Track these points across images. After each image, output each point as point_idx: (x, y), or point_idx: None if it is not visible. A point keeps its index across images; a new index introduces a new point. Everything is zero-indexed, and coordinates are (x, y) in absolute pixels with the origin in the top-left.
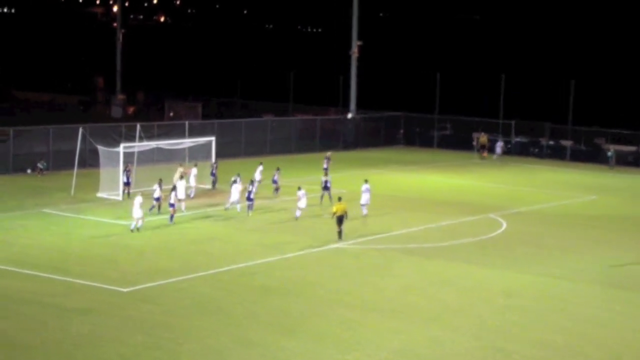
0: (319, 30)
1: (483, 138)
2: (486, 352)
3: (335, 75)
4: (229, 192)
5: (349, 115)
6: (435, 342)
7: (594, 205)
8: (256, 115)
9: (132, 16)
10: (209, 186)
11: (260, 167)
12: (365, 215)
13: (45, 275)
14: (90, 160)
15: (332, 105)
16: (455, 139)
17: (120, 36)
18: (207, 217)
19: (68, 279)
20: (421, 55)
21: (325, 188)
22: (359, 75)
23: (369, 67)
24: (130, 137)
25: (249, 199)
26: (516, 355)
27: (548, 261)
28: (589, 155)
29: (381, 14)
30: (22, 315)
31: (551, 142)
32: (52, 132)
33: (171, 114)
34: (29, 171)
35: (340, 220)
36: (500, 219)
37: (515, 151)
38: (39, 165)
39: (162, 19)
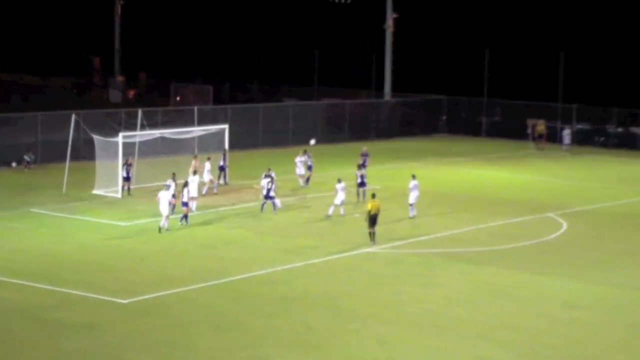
0: (348, 0)
1: (541, 126)
2: None
3: (367, 53)
4: (258, 189)
5: (386, 98)
6: None
7: None
8: (276, 100)
9: None
10: (220, 181)
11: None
12: (414, 217)
13: (34, 284)
14: (85, 152)
15: (364, 88)
16: (506, 127)
17: (118, 9)
18: (220, 218)
19: (60, 289)
20: (467, 29)
21: (362, 184)
22: (394, 53)
23: (405, 43)
24: (131, 125)
25: (268, 197)
26: None
27: (615, 268)
28: None
29: None
30: (7, 331)
31: (619, 130)
32: (40, 120)
33: (178, 99)
34: (14, 165)
35: (373, 220)
36: (559, 219)
37: (577, 140)
38: (26, 158)
39: None
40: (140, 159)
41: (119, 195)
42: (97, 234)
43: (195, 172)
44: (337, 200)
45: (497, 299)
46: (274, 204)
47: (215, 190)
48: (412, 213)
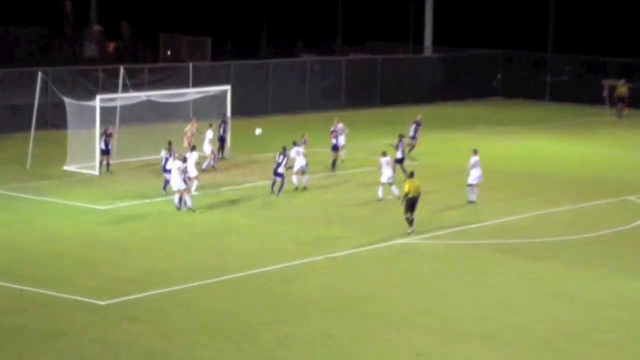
0: None
1: (622, 88)
2: None
3: None
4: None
5: (426, 53)
6: None
7: None
8: (291, 55)
9: None
10: (220, 156)
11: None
12: (473, 202)
13: None
14: (54, 119)
15: (399, 41)
16: (577, 88)
17: None
18: (221, 200)
19: (25, 287)
20: None
21: (401, 160)
22: None
23: None
24: (111, 86)
25: (276, 173)
26: None
27: None
28: None
29: None
30: None
31: None
32: None
33: (169, 53)
34: None
35: (412, 204)
36: None
37: None
38: None
39: None
40: (123, 128)
41: (96, 172)
42: (69, 220)
43: (193, 147)
44: (384, 178)
45: (561, 302)
46: (281, 184)
47: (214, 165)
48: (472, 197)
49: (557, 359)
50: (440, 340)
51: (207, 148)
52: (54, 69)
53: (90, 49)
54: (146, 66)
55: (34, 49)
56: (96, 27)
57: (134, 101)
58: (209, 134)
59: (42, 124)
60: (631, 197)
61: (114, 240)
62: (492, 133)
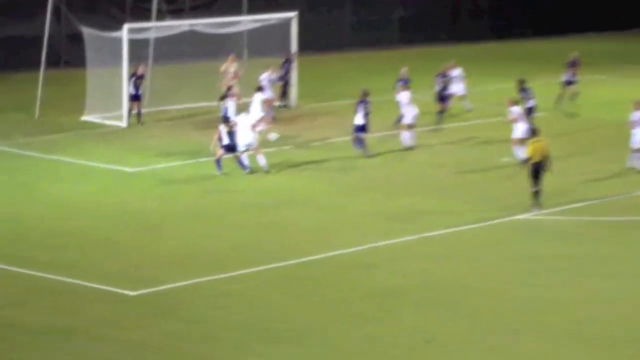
0: None
1: None
2: None
3: None
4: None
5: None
6: None
7: None
8: None
9: None
10: (281, 103)
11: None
12: (636, 169)
13: None
14: (70, 55)
15: None
16: None
17: None
18: (283, 162)
19: (33, 272)
20: None
21: (529, 112)
22: None
23: None
24: (143, 12)
25: (358, 129)
26: None
27: None
28: None
29: None
30: None
31: None
32: None
33: None
34: None
35: (537, 170)
36: None
37: None
38: None
39: None
40: (157, 67)
41: (123, 123)
42: (87, 186)
43: (238, 96)
44: (518, 132)
45: None
46: (359, 142)
47: (272, 115)
48: (634, 162)
49: None
50: (570, 348)
51: (269, 93)
52: None
53: None
54: None
55: None
56: None
57: (172, 32)
58: (267, 76)
59: (54, 62)
60: None
61: (145, 213)
62: None
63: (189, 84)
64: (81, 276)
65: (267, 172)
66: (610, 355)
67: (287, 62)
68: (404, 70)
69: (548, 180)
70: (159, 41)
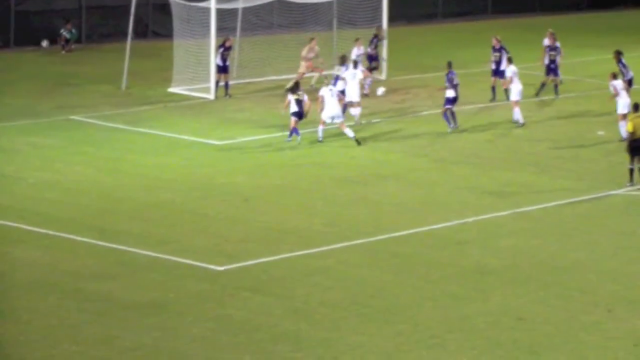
0: None
1: None
2: None
3: None
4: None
5: None
6: None
7: None
8: None
9: None
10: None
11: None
12: None
13: (70, 237)
14: (156, 25)
15: None
16: None
17: None
18: (375, 135)
19: (116, 246)
20: None
21: (629, 84)
22: None
23: None
24: None
25: (449, 101)
26: None
27: None
28: None
29: None
30: (28, 310)
31: None
32: None
33: None
34: (45, 44)
35: (637, 148)
36: None
37: None
38: (64, 33)
39: None
40: (245, 38)
41: (211, 95)
42: (174, 159)
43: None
44: (621, 108)
45: None
46: (450, 115)
47: (366, 90)
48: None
49: None
50: None
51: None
52: None
53: None
54: None
55: None
56: None
57: (261, 2)
58: (356, 53)
59: (142, 32)
60: None
61: (234, 187)
62: None
63: (278, 56)
64: (171, 251)
65: (358, 143)
66: None
67: (375, 38)
68: (495, 40)
69: None
70: (247, 11)
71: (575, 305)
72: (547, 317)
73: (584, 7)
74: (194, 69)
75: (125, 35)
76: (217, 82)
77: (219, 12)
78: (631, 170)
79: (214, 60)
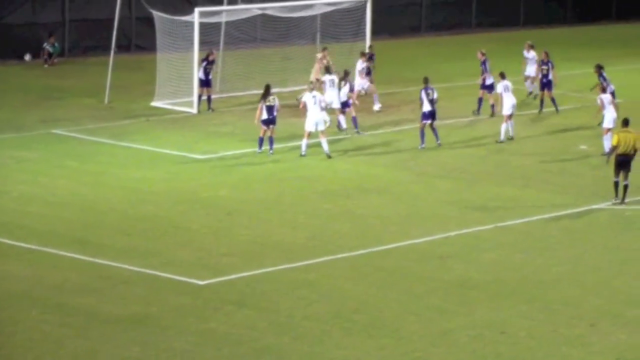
0: None
1: None
2: None
3: None
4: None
5: None
6: None
7: None
8: None
9: None
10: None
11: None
12: None
13: (53, 252)
14: (140, 39)
15: None
16: None
17: None
18: (359, 148)
19: (99, 260)
20: None
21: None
22: None
23: None
24: None
25: (427, 115)
26: None
27: None
28: None
29: None
30: (11, 322)
31: None
32: None
33: None
34: (28, 58)
35: (624, 163)
36: None
37: None
38: (47, 47)
39: None
40: (228, 52)
41: (194, 109)
42: (157, 173)
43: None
44: (608, 122)
45: None
46: (432, 131)
47: (376, 107)
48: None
49: None
50: None
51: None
52: None
53: None
54: None
55: None
56: None
57: (244, 15)
58: (360, 65)
59: (125, 46)
60: None
61: (217, 200)
62: None
63: (261, 70)
64: (154, 264)
65: (330, 156)
66: None
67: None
68: (480, 54)
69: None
70: (230, 25)
71: (558, 319)
72: (531, 331)
73: (568, 20)
74: (177, 82)
75: (108, 48)
76: (199, 96)
77: (202, 25)
78: (616, 184)
79: (197, 73)
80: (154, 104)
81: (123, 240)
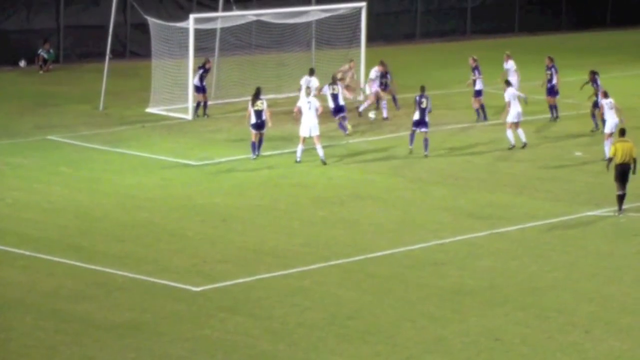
0: None
1: None
2: None
3: None
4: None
5: None
6: None
7: None
8: None
9: None
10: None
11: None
12: None
13: (48, 258)
14: (135, 45)
15: None
16: None
17: None
18: (353, 154)
19: (90, 266)
20: None
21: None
22: None
23: None
24: (209, 2)
25: (418, 122)
26: None
27: None
28: None
29: None
30: (4, 330)
31: None
32: None
33: None
34: (22, 64)
35: (622, 174)
36: None
37: None
38: (42, 53)
39: None
40: (224, 58)
41: (189, 116)
42: (152, 179)
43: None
44: (609, 127)
45: None
46: (423, 142)
47: (384, 114)
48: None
49: None
50: None
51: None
52: None
53: None
54: None
55: None
56: None
57: (239, 22)
58: (375, 72)
59: (119, 52)
60: None
61: (212, 207)
62: None
63: (256, 76)
64: (149, 271)
65: (325, 163)
66: None
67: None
68: (471, 60)
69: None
70: (226, 32)
71: (552, 325)
72: (525, 337)
73: (563, 27)
74: (172, 89)
75: (103, 55)
76: (198, 103)
77: (197, 32)
78: (619, 197)
79: (192, 80)
80: (149, 110)
81: (118, 247)
